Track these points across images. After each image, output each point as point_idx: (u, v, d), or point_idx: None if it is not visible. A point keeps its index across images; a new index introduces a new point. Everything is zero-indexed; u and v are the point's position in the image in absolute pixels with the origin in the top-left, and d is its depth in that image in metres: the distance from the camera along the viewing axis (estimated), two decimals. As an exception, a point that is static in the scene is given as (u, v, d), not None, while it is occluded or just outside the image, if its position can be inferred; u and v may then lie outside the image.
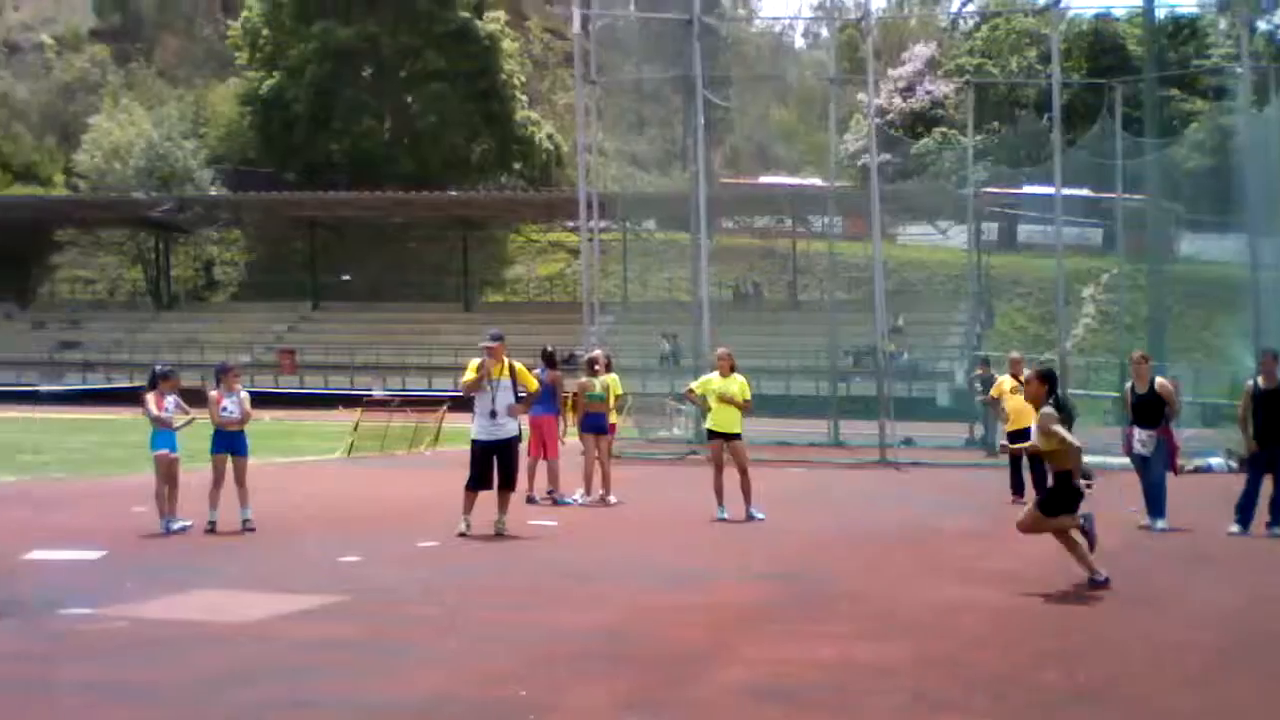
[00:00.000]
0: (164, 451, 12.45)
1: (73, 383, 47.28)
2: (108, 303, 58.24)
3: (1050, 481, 9.83)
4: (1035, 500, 10.19)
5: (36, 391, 45.71)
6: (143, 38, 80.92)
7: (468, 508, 12.37)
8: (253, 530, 12.45)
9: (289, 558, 11.19)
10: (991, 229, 49.88)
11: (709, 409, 14.37)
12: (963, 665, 7.29)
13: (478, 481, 12.44)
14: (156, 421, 12.53)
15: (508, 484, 12.63)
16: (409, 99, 60.90)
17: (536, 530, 13.02)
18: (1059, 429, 9.50)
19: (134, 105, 63.80)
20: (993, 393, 17.46)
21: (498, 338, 12.75)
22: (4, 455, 20.16)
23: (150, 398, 12.56)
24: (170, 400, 12.64)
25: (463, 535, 12.16)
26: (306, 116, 59.41)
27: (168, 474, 12.44)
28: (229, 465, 12.63)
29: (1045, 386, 9.82)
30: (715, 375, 14.37)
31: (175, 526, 12.35)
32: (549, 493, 15.66)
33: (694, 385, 15.08)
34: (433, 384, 40.51)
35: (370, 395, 30.60)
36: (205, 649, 7.49)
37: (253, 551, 11.44)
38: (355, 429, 24.54)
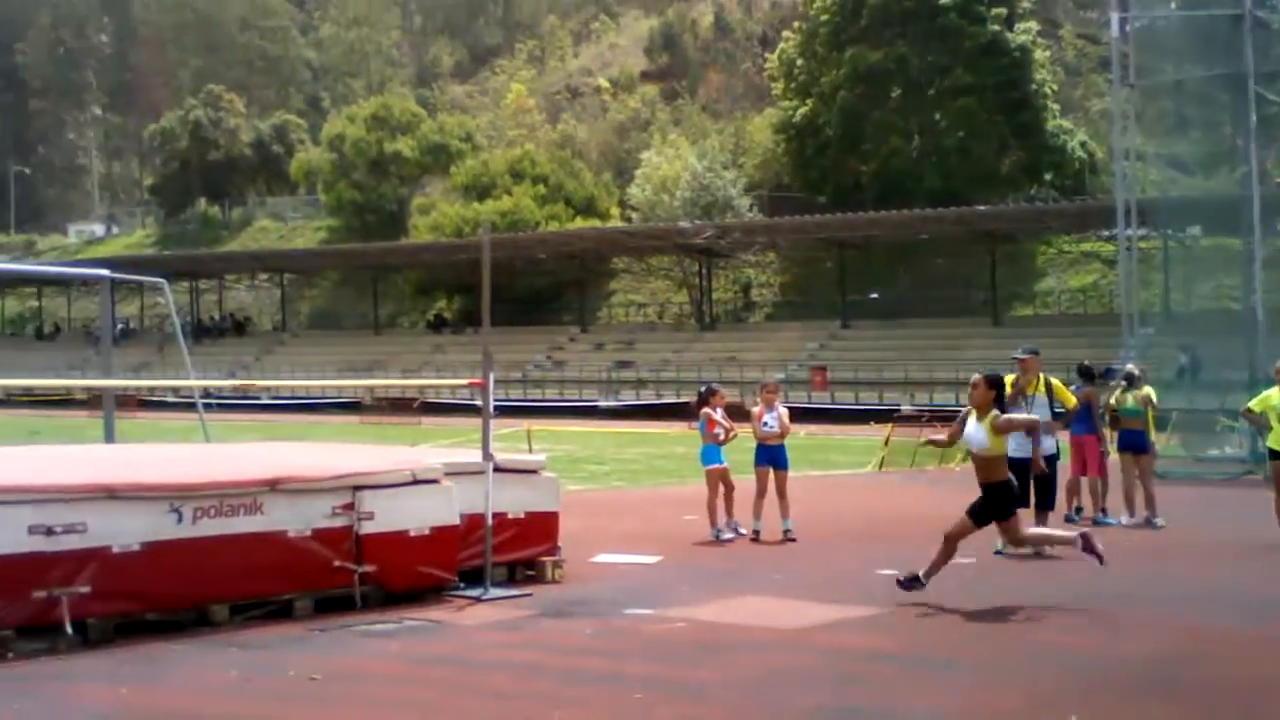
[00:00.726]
0: (716, 465, 13.18)
1: (627, 398, 50.72)
2: (657, 324, 62.04)
3: (981, 492, 9.74)
4: (968, 511, 9.76)
5: (596, 406, 49.55)
6: (688, 76, 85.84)
7: None
8: (793, 540, 12.88)
9: (828, 568, 11.48)
10: None
11: (1269, 428, 13.30)
12: None
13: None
14: (709, 436, 13.28)
15: (1045, 504, 12.28)
16: (936, 116, 60.59)
17: (1077, 551, 12.57)
18: (1016, 416, 10.15)
19: (680, 140, 67.72)
20: None
21: (1032, 352, 12.46)
22: (571, 466, 21.95)
23: (708, 412, 13.34)
24: (719, 415, 13.36)
25: (999, 553, 11.98)
26: (837, 140, 60.58)
27: (719, 485, 13.15)
28: (770, 477, 13.17)
29: (993, 393, 9.84)
30: (1275, 390, 13.29)
31: (725, 535, 13.01)
32: (1101, 509, 15.09)
33: (1252, 403, 13.99)
34: (961, 399, 39.83)
35: (899, 411, 30.68)
36: (753, 652, 7.84)
37: (794, 561, 11.82)
38: (886, 444, 24.72)
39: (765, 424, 13.23)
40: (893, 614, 9.10)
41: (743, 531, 13.04)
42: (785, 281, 63.11)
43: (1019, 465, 12.11)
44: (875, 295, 55.67)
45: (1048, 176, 60.60)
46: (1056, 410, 12.33)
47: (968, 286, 54.54)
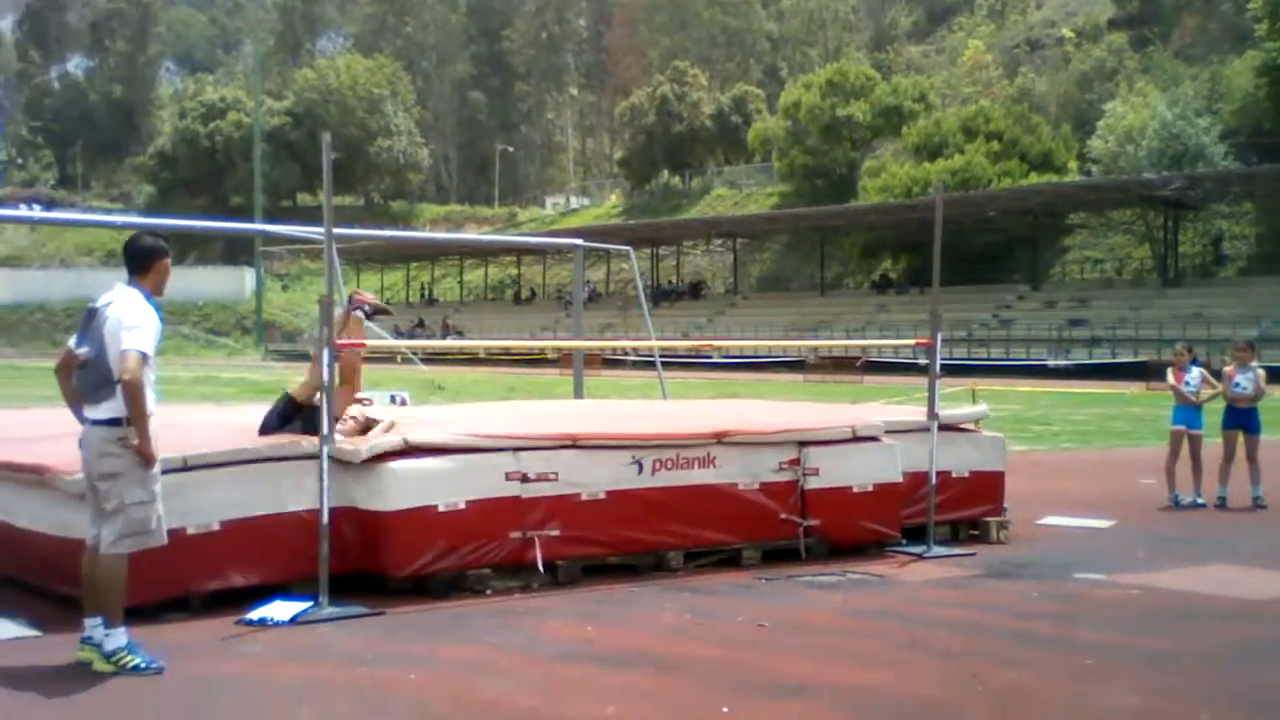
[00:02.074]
0: (1180, 427, 12.52)
1: (1079, 358, 48.73)
2: (1115, 281, 59.12)
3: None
4: None
5: (1045, 366, 47.91)
6: (1161, 20, 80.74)
7: None
8: (1263, 508, 12.06)
9: (1306, 539, 10.71)
10: None
11: None
12: None
13: None
14: (1177, 395, 12.64)
15: None
16: None
17: None
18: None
19: (1149, 88, 63.94)
20: None
21: None
22: (1017, 425, 21.39)
23: (1170, 372, 12.74)
24: (1195, 374, 12.66)
25: None
26: (1325, 80, 55.39)
27: (1180, 449, 12.48)
28: (1240, 441, 12.37)
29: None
30: None
31: (1185, 501, 12.34)
32: None
33: None
34: None
35: None
36: (1218, 622, 7.47)
37: (1264, 529, 11.09)
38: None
39: (1237, 384, 12.44)
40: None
41: (1201, 502, 12.30)
42: (1261, 233, 58.34)
43: None
44: (1368, 245, 50.46)
45: None
46: None
47: None
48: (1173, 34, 79.10)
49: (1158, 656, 6.66)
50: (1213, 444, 12.71)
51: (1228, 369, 12.66)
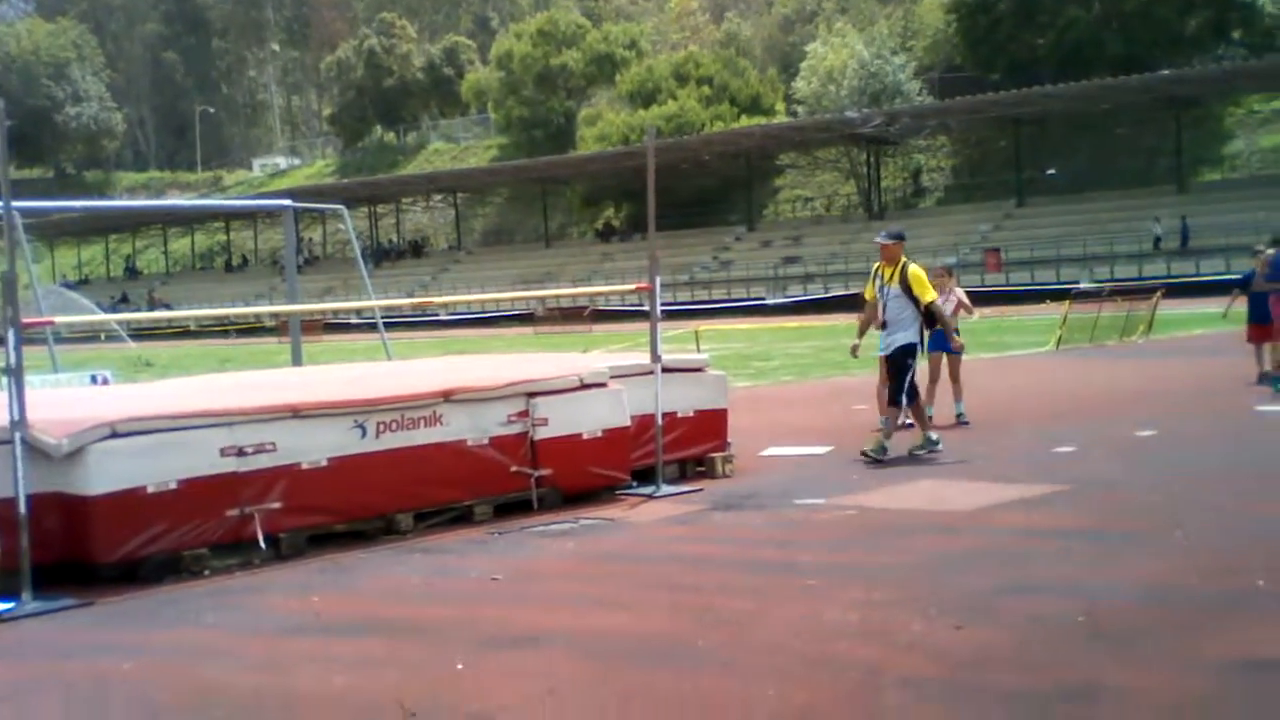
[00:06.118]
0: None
1: (795, 294, 50.51)
2: (824, 218, 61.43)
3: None
4: None
5: (764, 304, 49.45)
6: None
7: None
8: (967, 424, 12.74)
9: (1004, 449, 11.33)
10: None
11: None
12: None
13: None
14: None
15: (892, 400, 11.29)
16: (1116, -21, 58.08)
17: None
18: None
19: (846, 28, 66.40)
20: None
21: (895, 236, 11.18)
22: (738, 363, 21.97)
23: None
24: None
25: None
26: (1010, 15, 58.56)
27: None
28: (943, 362, 12.99)
29: None
30: None
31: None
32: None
33: None
34: (1143, 271, 39.05)
35: (1078, 287, 29.91)
36: (928, 535, 7.81)
37: (968, 444, 11.68)
38: (1063, 322, 24.17)
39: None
40: (1071, 491, 8.97)
41: (909, 422, 12.85)
42: (957, 165, 61.67)
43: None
44: (1052, 171, 54.00)
45: (1236, 35, 57.57)
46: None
47: (1151, 155, 52.46)
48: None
49: (874, 571, 6.92)
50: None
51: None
